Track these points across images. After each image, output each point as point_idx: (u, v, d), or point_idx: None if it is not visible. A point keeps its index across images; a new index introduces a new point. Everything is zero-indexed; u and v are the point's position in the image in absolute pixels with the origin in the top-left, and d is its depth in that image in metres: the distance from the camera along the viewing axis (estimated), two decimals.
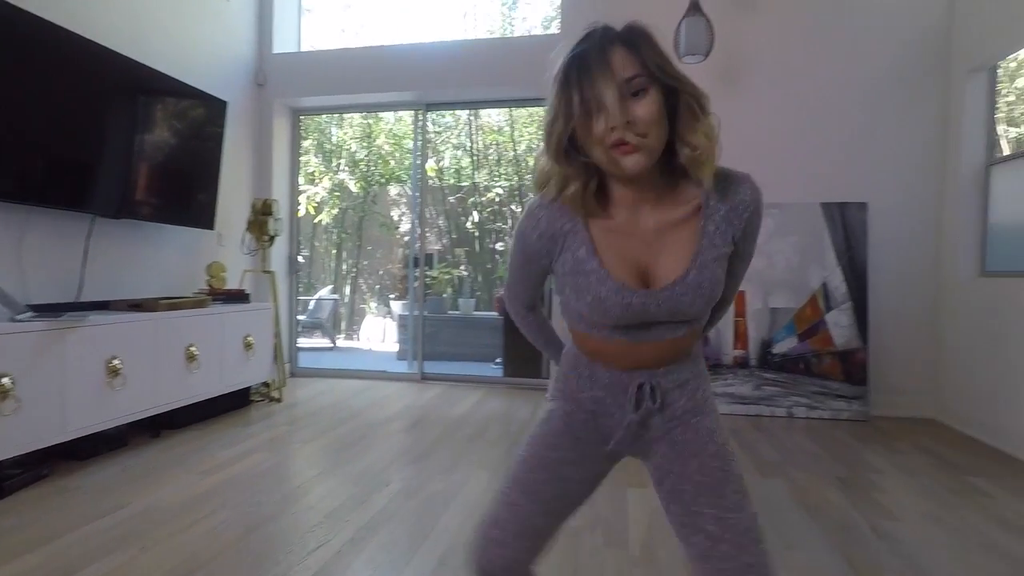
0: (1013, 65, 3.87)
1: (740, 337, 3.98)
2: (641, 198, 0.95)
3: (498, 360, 5.71)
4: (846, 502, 2.43)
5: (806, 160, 3.97)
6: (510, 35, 4.22)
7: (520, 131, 8.51)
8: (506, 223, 8.50)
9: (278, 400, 4.04)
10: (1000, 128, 3.84)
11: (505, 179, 8.50)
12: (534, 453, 1.04)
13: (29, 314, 2.56)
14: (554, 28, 4.55)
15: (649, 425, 1.00)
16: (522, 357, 4.89)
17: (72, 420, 2.60)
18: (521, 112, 8.41)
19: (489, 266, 8.53)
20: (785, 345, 3.92)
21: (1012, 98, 4.04)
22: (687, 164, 0.91)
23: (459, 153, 8.79)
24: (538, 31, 7.51)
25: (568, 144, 0.91)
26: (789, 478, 2.71)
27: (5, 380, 2.30)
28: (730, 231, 0.96)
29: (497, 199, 8.49)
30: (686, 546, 0.95)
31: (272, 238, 4.28)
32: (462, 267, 8.00)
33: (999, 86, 3.67)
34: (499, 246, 8.51)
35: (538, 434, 1.06)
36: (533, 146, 8.48)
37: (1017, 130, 4.10)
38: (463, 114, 8.51)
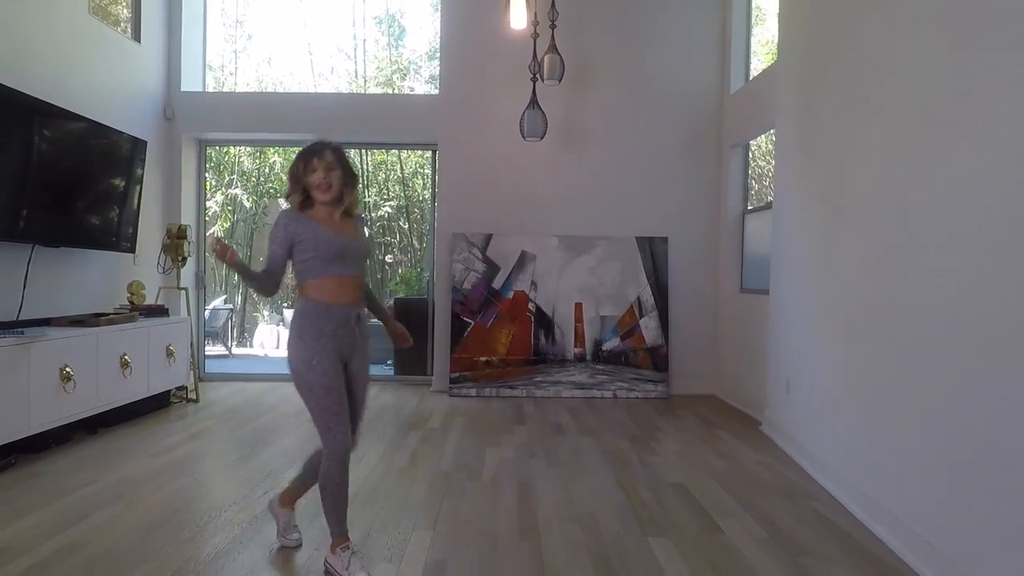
0: (761, 143, 5.44)
1: (579, 338, 5.20)
2: (329, 211, 2.05)
3: (389, 362, 6.56)
4: (630, 448, 3.65)
5: (624, 205, 5.29)
6: (400, 83, 5.04)
7: (407, 154, 9.38)
8: (395, 237, 9.32)
9: (195, 401, 4.65)
10: (752, 185, 5.38)
11: (393, 197, 9.33)
12: (327, 372, 1.96)
13: None
14: (433, 90, 5.51)
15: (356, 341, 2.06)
16: (410, 358, 5.79)
17: (35, 418, 3.17)
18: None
19: (380, 276, 9.29)
20: (611, 344, 5.20)
21: (759, 164, 5.64)
22: (348, 203, 2.08)
23: None
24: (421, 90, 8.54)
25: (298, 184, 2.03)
26: (599, 437, 3.89)
27: None
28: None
29: (386, 216, 9.29)
30: (349, 401, 2.04)
31: (186, 259, 4.86)
32: None
33: (750, 157, 5.20)
34: (389, 258, 9.31)
35: (323, 366, 1.98)
36: (419, 166, 9.41)
37: (758, 185, 5.70)
38: None
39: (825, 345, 3.23)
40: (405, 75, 9.51)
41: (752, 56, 5.26)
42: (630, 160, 5.29)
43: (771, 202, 4.37)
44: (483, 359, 5.16)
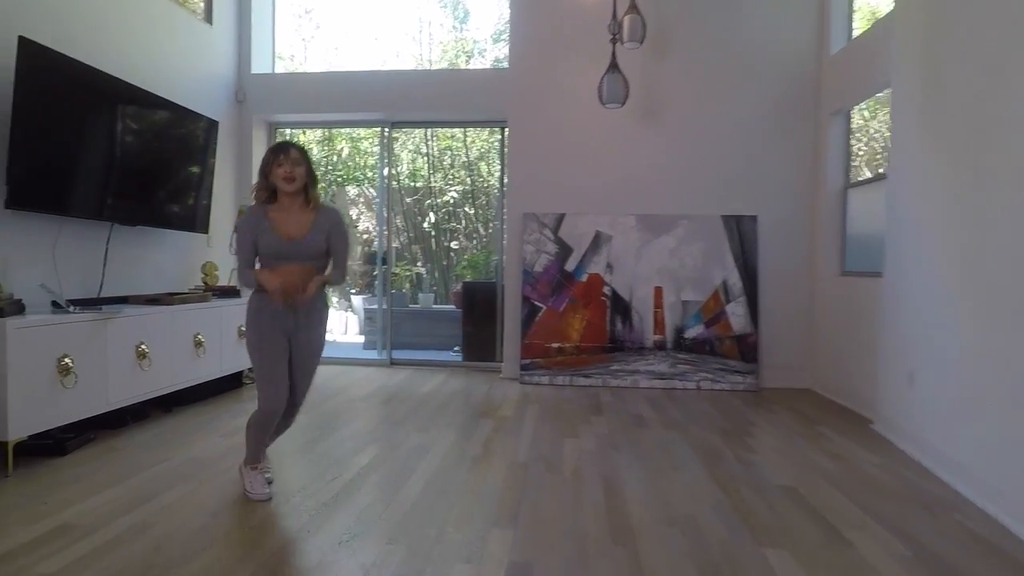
0: (864, 111, 4.87)
1: (659, 325, 4.84)
2: (291, 204, 2.38)
3: (456, 348, 6.41)
4: (723, 444, 3.29)
5: (708, 181, 4.86)
6: (464, 67, 4.81)
7: (472, 138, 9.20)
8: (460, 223, 9.18)
9: None
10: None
11: (459, 183, 9.18)
12: (261, 339, 2.36)
13: (74, 308, 3.09)
14: (504, 63, 5.29)
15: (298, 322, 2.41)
16: (478, 344, 5.61)
17: (113, 394, 3.16)
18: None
19: (445, 263, 9.19)
20: (694, 331, 4.82)
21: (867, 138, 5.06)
22: (311, 197, 2.40)
23: (416, 157, 9.39)
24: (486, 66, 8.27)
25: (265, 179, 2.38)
26: (686, 431, 3.55)
27: (67, 360, 2.85)
28: (324, 229, 2.40)
29: (451, 201, 9.15)
30: (289, 369, 2.41)
31: None
32: (420, 264, 8.64)
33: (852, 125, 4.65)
34: (454, 244, 9.18)
35: (257, 334, 2.37)
36: (484, 152, 9.21)
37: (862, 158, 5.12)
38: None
39: (963, 333, 2.76)
40: (470, 57, 9.31)
41: (854, 14, 4.70)
42: (715, 131, 4.86)
43: (882, 174, 3.87)
44: (555, 345, 4.90)
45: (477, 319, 5.63)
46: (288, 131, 5.94)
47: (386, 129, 5.64)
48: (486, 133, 9.13)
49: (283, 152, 2.31)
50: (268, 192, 2.36)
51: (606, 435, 3.42)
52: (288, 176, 2.30)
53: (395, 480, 2.66)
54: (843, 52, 4.52)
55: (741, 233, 4.80)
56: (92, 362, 3.02)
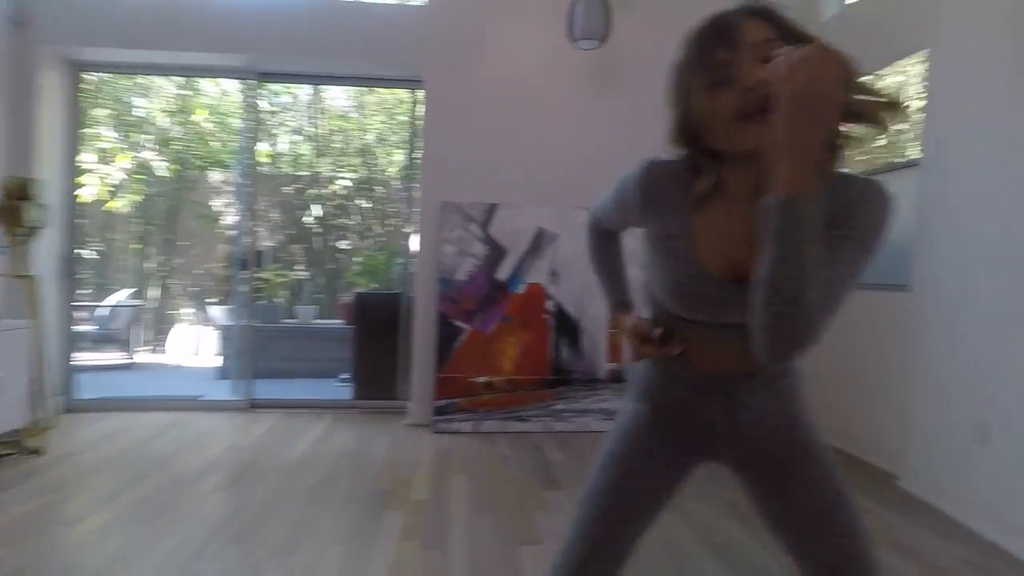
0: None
1: (615, 350, 3.78)
2: (760, 186, 0.76)
3: (344, 376, 5.00)
4: (743, 533, 2.25)
5: None
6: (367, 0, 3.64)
7: (369, 118, 7.76)
8: (352, 219, 7.70)
9: (38, 453, 2.98)
10: None
11: (351, 170, 7.69)
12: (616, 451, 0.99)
13: None
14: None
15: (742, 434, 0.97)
16: (374, 376, 4.25)
17: None
18: (371, 98, 7.68)
19: (332, 267, 7.65)
20: None
21: None
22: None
23: (298, 138, 7.78)
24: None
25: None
26: (686, 513, 2.48)
27: None
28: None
29: (343, 192, 7.64)
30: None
31: (32, 230, 3.18)
32: (300, 268, 7.07)
33: None
34: (344, 244, 7.68)
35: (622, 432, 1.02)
36: (384, 136, 7.80)
37: None
38: (303, 93, 7.54)
39: None
40: None
41: None
42: None
43: (913, 159, 3.07)
44: (482, 380, 3.68)
45: (374, 343, 4.27)
46: (99, 75, 4.23)
47: (251, 82, 4.13)
48: (385, 115, 7.75)
49: (722, 35, 0.81)
50: (699, 156, 0.88)
51: None
52: (752, 103, 0.76)
53: None
54: (841, 15, 3.72)
55: None
56: None
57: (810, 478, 0.92)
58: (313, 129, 7.64)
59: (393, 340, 4.17)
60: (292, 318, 5.85)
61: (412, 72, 3.90)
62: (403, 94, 6.30)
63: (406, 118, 5.31)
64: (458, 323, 3.69)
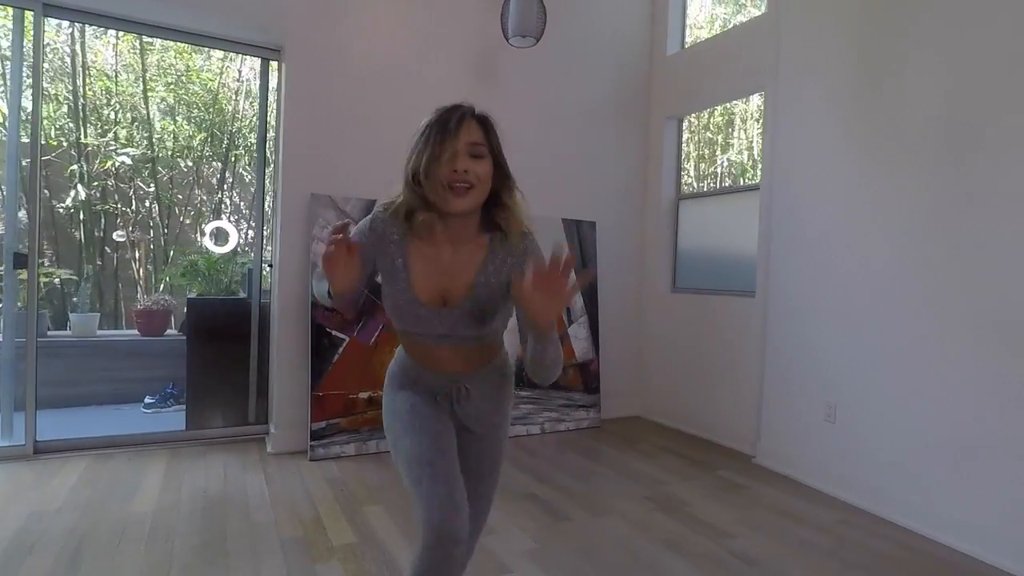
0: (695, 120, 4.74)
1: None
2: (454, 236, 1.27)
3: (150, 400, 4.08)
4: (676, 524, 2.43)
5: (548, 176, 4.00)
6: None
7: (156, 81, 6.42)
8: (131, 206, 6.30)
9: None
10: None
11: (131, 145, 6.28)
12: (417, 416, 1.28)
13: None
14: None
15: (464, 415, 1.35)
16: (219, 395, 3.54)
17: None
18: (152, 59, 6.36)
19: (100, 263, 6.17)
20: None
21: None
22: (500, 217, 1.29)
23: (54, 100, 6.07)
24: None
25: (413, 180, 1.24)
26: (615, 512, 2.58)
27: None
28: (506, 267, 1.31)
29: (118, 169, 6.19)
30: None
31: None
32: (61, 267, 5.53)
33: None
34: (118, 235, 6.24)
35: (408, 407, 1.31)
36: (173, 104, 6.52)
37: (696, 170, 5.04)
38: (63, 45, 5.93)
39: (886, 363, 2.52)
40: None
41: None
42: (551, 119, 4.02)
43: (754, 184, 3.61)
44: (364, 395, 3.33)
45: (214, 359, 3.56)
46: None
47: (28, 13, 3.08)
48: (172, 76, 6.55)
49: (450, 130, 1.23)
50: (417, 201, 1.26)
51: (517, 553, 2.18)
52: (455, 179, 1.22)
53: None
54: (682, 54, 4.20)
55: (582, 241, 4.08)
56: None
57: (486, 452, 1.37)
58: (78, 88, 6.02)
59: (242, 358, 3.53)
60: (63, 329, 4.55)
61: (269, 38, 3.34)
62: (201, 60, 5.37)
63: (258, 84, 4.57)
64: (336, 333, 3.28)
